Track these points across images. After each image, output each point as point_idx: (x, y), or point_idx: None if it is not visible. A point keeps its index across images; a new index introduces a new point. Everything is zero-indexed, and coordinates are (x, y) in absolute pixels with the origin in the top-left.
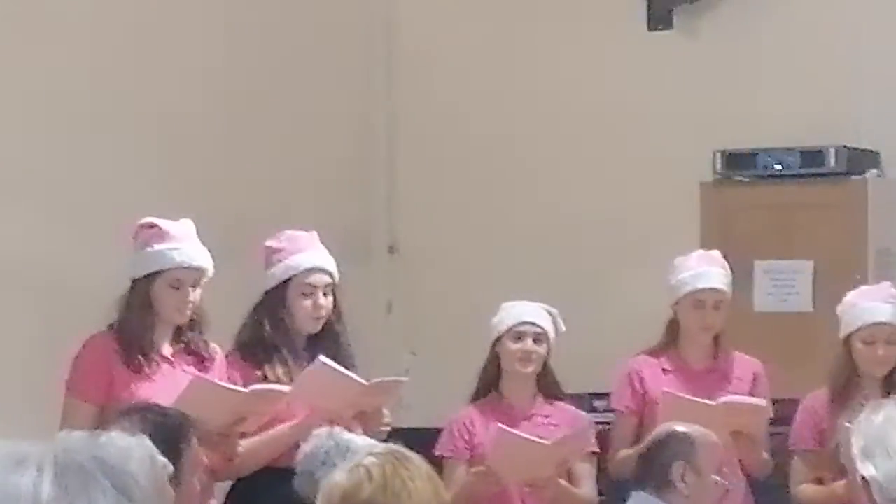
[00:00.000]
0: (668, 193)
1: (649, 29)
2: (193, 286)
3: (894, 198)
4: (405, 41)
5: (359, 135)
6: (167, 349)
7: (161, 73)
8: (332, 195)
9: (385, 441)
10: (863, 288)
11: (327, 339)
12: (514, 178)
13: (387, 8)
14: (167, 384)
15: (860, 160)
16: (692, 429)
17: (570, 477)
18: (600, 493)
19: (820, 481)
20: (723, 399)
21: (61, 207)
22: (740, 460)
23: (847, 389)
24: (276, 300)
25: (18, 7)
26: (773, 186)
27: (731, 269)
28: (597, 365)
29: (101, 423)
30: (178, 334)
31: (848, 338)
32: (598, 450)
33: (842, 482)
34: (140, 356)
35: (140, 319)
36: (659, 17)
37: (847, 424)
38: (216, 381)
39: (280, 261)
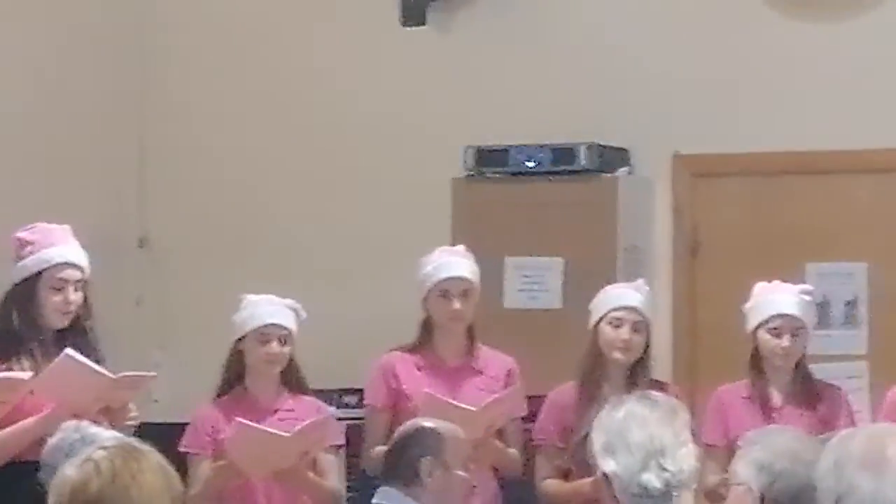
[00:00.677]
0: (421, 190)
1: (403, 25)
2: None
3: (644, 196)
4: (156, 39)
5: (110, 129)
6: None
7: None
8: (83, 188)
9: (134, 436)
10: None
11: (76, 334)
12: (264, 172)
13: (139, 7)
14: None
15: (611, 158)
16: (440, 424)
17: (316, 469)
18: (353, 489)
19: (566, 476)
20: (484, 402)
21: None
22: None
23: (593, 385)
24: (25, 293)
25: None
26: (524, 183)
27: (482, 265)
28: (348, 361)
29: None
30: None
31: (596, 326)
32: (342, 442)
33: (588, 479)
34: None
35: None
36: (412, 13)
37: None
38: None
39: (31, 253)
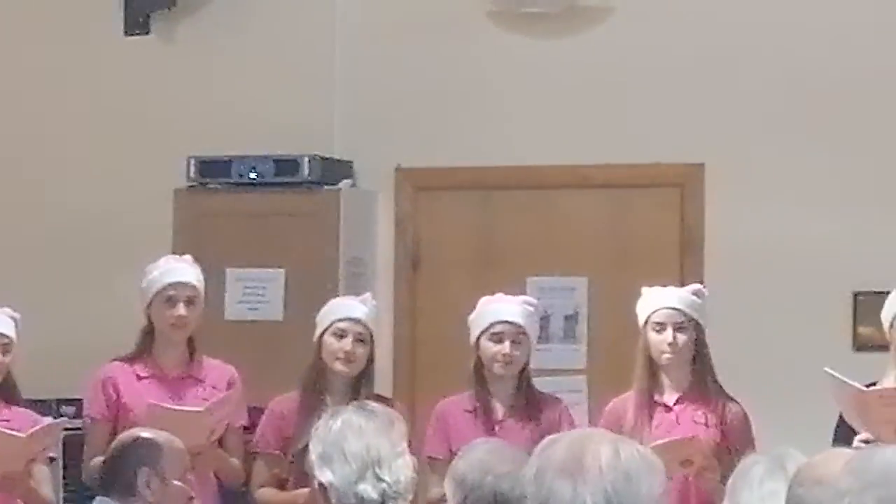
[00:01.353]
0: (145, 200)
1: (126, 34)
2: None
3: (366, 208)
4: None
5: None
6: None
7: None
8: None
9: None
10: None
11: None
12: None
13: None
14: None
15: (334, 170)
16: (157, 434)
17: (32, 479)
18: (70, 500)
19: (283, 486)
20: (208, 403)
21: None
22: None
23: (315, 395)
24: None
25: None
26: (247, 194)
27: (204, 276)
28: (66, 371)
29: None
30: None
31: (320, 338)
32: (55, 455)
33: (305, 489)
34: None
35: None
36: (136, 22)
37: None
38: None
39: None
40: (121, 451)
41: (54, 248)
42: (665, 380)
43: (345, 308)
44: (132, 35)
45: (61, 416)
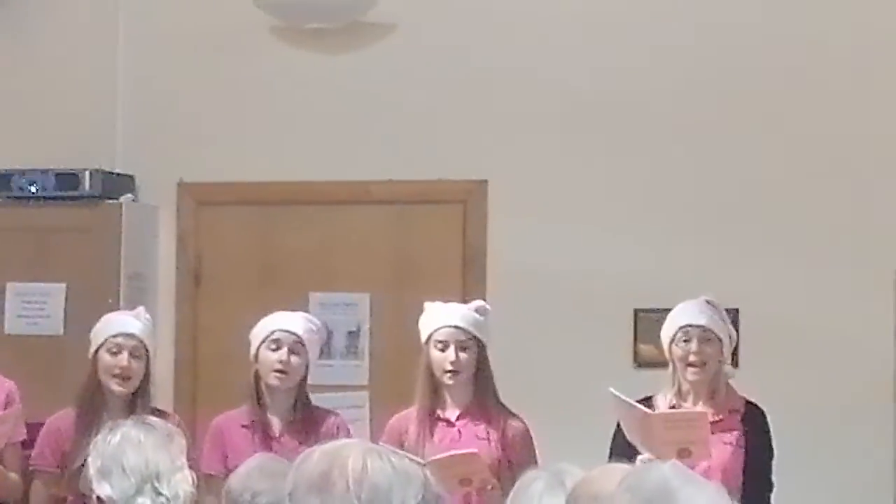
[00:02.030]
0: None
1: None
2: None
3: (148, 223)
4: None
5: None
6: None
7: None
8: None
9: None
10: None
11: None
12: None
13: None
14: None
15: (116, 185)
16: None
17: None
18: None
19: (62, 502)
20: None
21: None
22: None
23: (92, 412)
24: None
25: None
26: (27, 208)
27: None
28: None
29: None
30: None
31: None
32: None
33: None
34: None
35: None
36: None
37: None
38: None
39: None
40: None
41: None
42: (447, 396)
43: (118, 324)
44: None
45: None
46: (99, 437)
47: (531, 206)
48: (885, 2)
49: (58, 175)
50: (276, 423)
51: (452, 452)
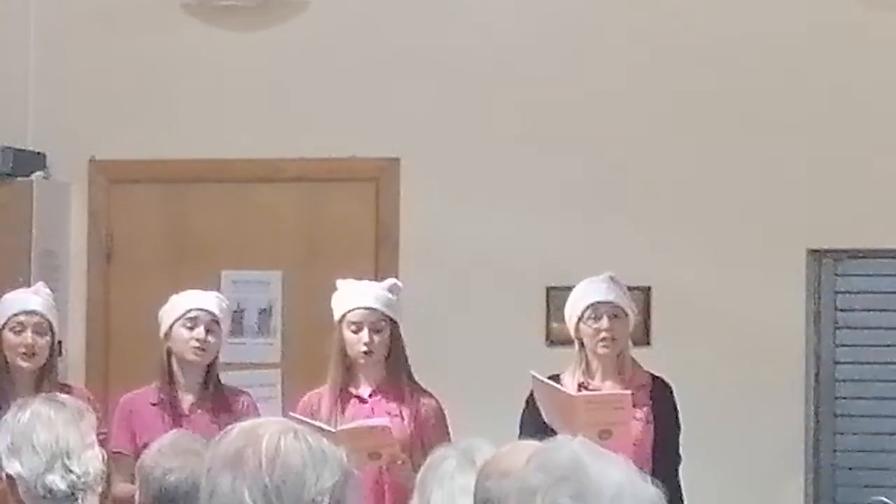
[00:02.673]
0: None
1: None
2: None
3: (59, 200)
4: None
5: None
6: None
7: None
8: None
9: None
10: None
11: None
12: None
13: None
14: None
15: (26, 162)
16: None
17: None
18: None
19: None
20: None
21: None
22: None
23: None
24: None
25: None
26: None
27: None
28: None
29: None
30: None
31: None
32: None
33: None
34: None
35: None
36: None
37: None
38: None
39: None
40: None
41: None
42: (360, 374)
43: (19, 302)
44: None
45: None
46: (8, 414)
47: (443, 183)
48: None
49: None
50: (186, 401)
51: (362, 422)
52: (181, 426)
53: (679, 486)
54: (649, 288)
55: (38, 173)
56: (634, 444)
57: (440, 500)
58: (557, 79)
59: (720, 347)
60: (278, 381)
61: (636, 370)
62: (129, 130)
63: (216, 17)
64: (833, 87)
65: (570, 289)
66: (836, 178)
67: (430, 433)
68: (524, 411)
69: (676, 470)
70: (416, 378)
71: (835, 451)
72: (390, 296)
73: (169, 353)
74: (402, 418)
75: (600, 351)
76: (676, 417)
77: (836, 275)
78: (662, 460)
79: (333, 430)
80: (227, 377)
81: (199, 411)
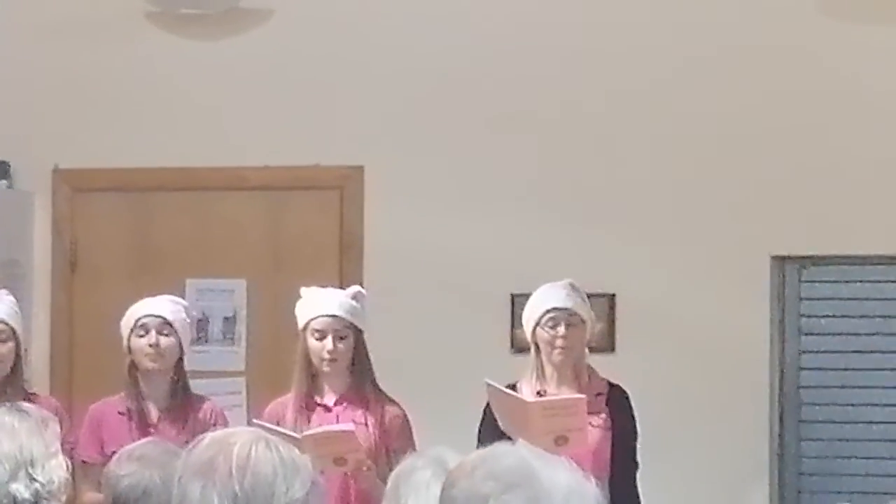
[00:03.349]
0: None
1: None
2: None
3: (23, 209)
4: None
5: None
6: None
7: None
8: None
9: None
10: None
11: None
12: None
13: None
14: None
15: None
16: None
17: None
18: None
19: None
20: None
21: None
22: None
23: None
24: None
25: None
26: None
27: None
28: None
29: None
30: None
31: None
32: None
33: None
34: None
35: None
36: None
37: None
38: None
39: None
40: None
41: None
42: (324, 382)
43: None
44: None
45: None
46: None
47: (408, 191)
48: None
49: None
50: (153, 411)
51: (327, 428)
52: (149, 435)
53: (637, 493)
54: (614, 295)
55: (2, 182)
56: (593, 452)
57: None
58: (521, 88)
59: (685, 354)
60: (243, 389)
61: (593, 377)
62: (93, 139)
63: (180, 26)
64: (796, 95)
65: None
66: (799, 185)
67: (394, 441)
68: (482, 421)
69: (634, 477)
70: (381, 386)
71: (800, 457)
72: (354, 303)
73: (132, 365)
74: (367, 426)
75: (555, 359)
76: (634, 424)
77: (801, 281)
78: (620, 467)
79: (299, 436)
80: (192, 385)
81: (166, 421)
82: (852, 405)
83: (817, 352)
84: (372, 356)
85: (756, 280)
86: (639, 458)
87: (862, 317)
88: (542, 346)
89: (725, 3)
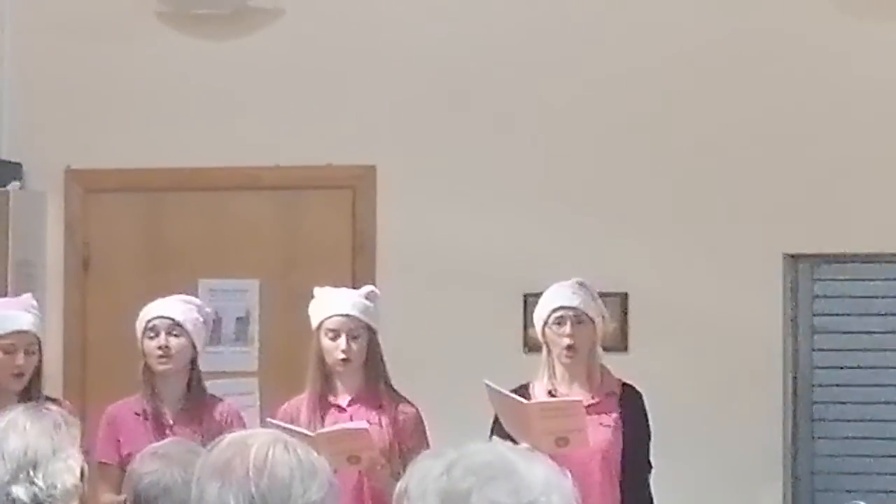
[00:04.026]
0: None
1: None
2: None
3: (36, 210)
4: None
5: None
6: None
7: None
8: None
9: None
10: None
11: None
12: None
13: None
14: None
15: (2, 172)
16: None
17: None
18: None
19: None
20: None
21: None
22: None
23: None
24: None
25: None
26: None
27: None
28: None
29: None
30: None
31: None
32: None
33: None
34: None
35: None
36: None
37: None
38: None
39: None
40: None
41: None
42: (338, 382)
43: (10, 321)
44: None
45: None
46: None
47: (420, 191)
48: None
49: None
50: (168, 412)
51: (342, 426)
52: (165, 436)
53: (650, 495)
54: (626, 294)
55: (14, 183)
56: (602, 452)
57: None
58: (533, 86)
59: (698, 353)
60: (256, 390)
61: (606, 377)
62: (105, 139)
63: (191, 26)
64: (811, 93)
65: None
66: (812, 183)
67: (408, 440)
68: (494, 420)
69: (647, 478)
70: (394, 385)
71: (813, 455)
72: (367, 303)
73: (146, 366)
74: (381, 426)
75: (563, 361)
76: (647, 425)
77: (813, 279)
78: (631, 469)
79: (313, 434)
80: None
81: (181, 421)
82: (866, 403)
83: (830, 350)
84: (385, 356)
85: (769, 279)
86: (652, 459)
87: (875, 315)
88: (551, 345)
89: (744, 1)
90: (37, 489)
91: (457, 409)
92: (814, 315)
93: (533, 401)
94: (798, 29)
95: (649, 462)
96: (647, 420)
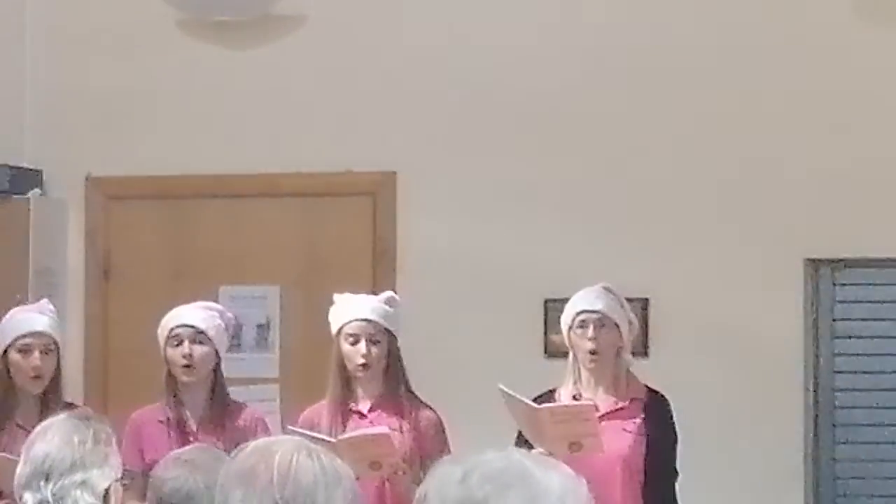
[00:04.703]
0: None
1: None
2: None
3: (57, 218)
4: None
5: None
6: None
7: None
8: None
9: None
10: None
11: None
12: None
13: None
14: None
15: (23, 179)
16: None
17: None
18: None
19: None
20: None
21: None
22: None
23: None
24: None
25: None
26: None
27: None
28: None
29: None
30: None
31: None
32: None
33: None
34: None
35: None
36: None
37: None
38: None
39: None
40: None
41: None
42: (359, 388)
43: (26, 322)
44: None
45: None
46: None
47: (440, 197)
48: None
49: None
50: (192, 419)
51: (363, 431)
52: (188, 444)
53: (676, 501)
54: (647, 299)
55: (35, 191)
56: (623, 458)
57: None
58: (555, 92)
59: (718, 358)
60: (277, 396)
61: (632, 382)
62: (126, 147)
63: (212, 34)
64: (831, 98)
65: (567, 301)
66: (833, 187)
67: (429, 446)
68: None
69: (672, 485)
70: (415, 391)
71: (834, 460)
72: (387, 308)
73: (169, 373)
74: (402, 432)
75: (588, 366)
76: (673, 432)
77: (835, 284)
78: (656, 475)
79: (334, 440)
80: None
81: (205, 428)
82: (887, 408)
83: (851, 354)
84: (406, 362)
85: (790, 283)
86: (678, 466)
87: None
88: (575, 349)
89: (763, 2)
90: (43, 499)
91: (478, 415)
92: (835, 320)
93: (544, 405)
94: (817, 33)
95: (675, 469)
96: (673, 427)
